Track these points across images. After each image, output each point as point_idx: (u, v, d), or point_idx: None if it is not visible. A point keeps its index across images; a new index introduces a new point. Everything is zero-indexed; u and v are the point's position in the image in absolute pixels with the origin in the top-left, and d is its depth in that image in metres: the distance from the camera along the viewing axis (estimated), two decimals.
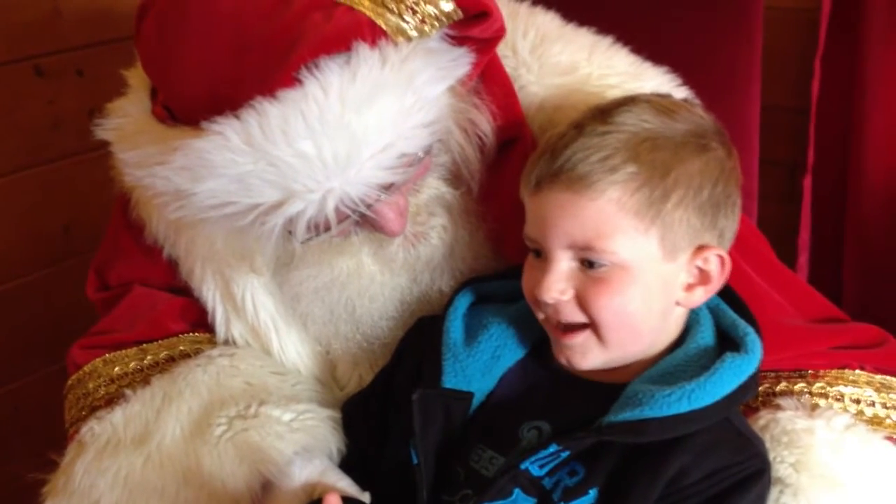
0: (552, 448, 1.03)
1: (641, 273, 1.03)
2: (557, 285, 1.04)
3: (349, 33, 1.00)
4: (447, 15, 1.05)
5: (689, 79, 1.26)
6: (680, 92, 1.22)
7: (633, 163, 1.01)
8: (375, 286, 1.22)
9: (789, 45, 1.77)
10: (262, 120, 0.98)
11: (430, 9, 1.04)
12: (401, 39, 1.03)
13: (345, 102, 0.99)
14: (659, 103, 1.07)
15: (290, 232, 1.07)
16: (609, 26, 1.28)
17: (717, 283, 1.08)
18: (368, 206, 1.06)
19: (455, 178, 1.18)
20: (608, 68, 1.22)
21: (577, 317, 1.05)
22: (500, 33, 1.11)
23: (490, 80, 1.16)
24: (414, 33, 1.04)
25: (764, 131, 1.66)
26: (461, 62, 1.08)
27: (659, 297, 1.05)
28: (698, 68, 1.31)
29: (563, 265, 1.04)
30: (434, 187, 1.18)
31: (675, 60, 1.28)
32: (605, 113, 1.05)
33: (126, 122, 1.12)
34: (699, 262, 1.06)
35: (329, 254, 1.20)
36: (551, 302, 1.04)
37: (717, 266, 1.07)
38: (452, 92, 1.10)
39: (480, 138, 1.14)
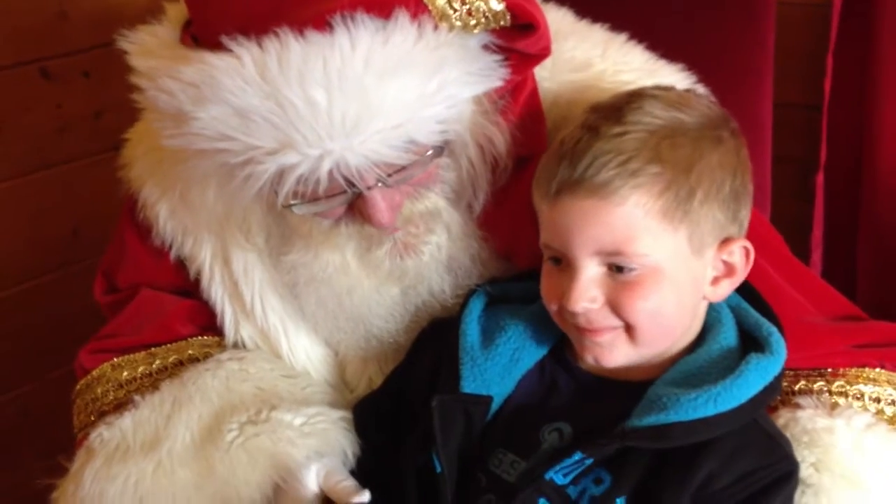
0: (576, 456, 1.01)
1: (672, 272, 1.01)
2: (587, 294, 1.01)
3: (394, 0, 0.99)
4: (495, 15, 1.03)
5: (701, 75, 1.25)
6: (696, 90, 1.20)
7: (655, 163, 0.99)
8: (364, 289, 1.19)
9: (801, 42, 1.76)
10: (282, 54, 0.96)
11: (480, 4, 1.02)
12: (443, 25, 1.02)
13: (369, 64, 0.97)
14: (667, 97, 1.05)
15: (276, 193, 1.05)
16: (621, 23, 1.27)
17: (742, 274, 1.07)
18: (364, 189, 1.05)
19: (457, 197, 1.16)
20: (623, 65, 1.21)
21: (611, 321, 1.03)
22: (545, 52, 1.09)
23: (519, 100, 1.14)
24: (458, 23, 1.02)
25: (776, 128, 1.66)
26: (494, 75, 1.07)
27: (689, 293, 1.04)
28: (710, 65, 1.29)
29: (590, 272, 1.02)
30: (433, 202, 1.15)
31: (687, 57, 1.27)
32: (617, 111, 1.03)
33: (151, 39, 1.10)
34: (724, 256, 1.05)
35: (316, 239, 1.17)
36: (581, 311, 1.02)
37: (741, 257, 1.06)
38: (478, 103, 1.08)
39: (495, 158, 1.12)
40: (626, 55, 1.22)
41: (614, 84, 1.17)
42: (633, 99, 1.04)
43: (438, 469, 1.07)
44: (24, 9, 1.77)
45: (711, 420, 1.00)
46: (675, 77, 1.22)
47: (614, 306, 1.02)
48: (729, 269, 1.06)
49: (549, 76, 1.19)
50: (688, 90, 1.12)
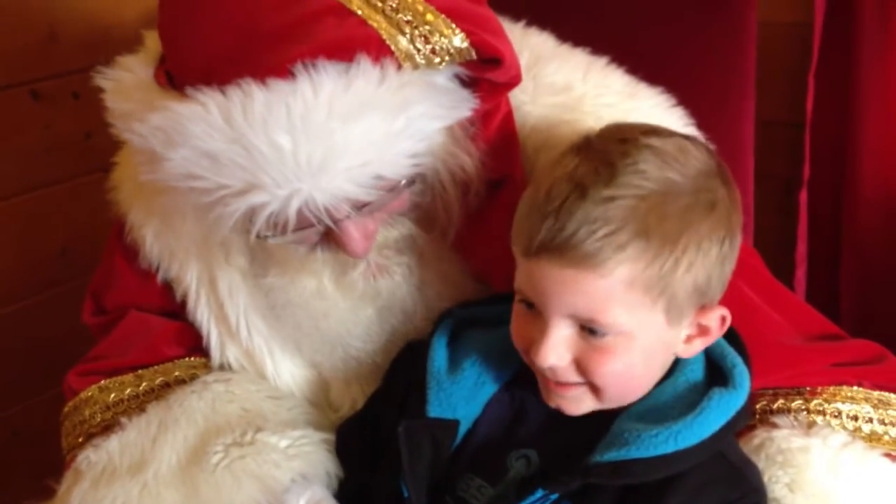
0: (539, 493, 1.01)
1: (645, 339, 1.00)
2: (555, 351, 0.99)
3: (356, 45, 1.00)
4: (459, 52, 1.03)
5: (683, 94, 1.25)
6: (675, 112, 1.22)
7: (642, 238, 0.95)
8: (340, 311, 1.20)
9: (783, 60, 1.78)
10: (246, 101, 0.97)
11: (444, 42, 1.02)
12: (407, 65, 1.02)
13: (332, 109, 0.98)
14: (662, 150, 0.99)
15: (251, 223, 1.05)
16: (602, 45, 1.28)
17: (715, 336, 1.05)
18: (336, 222, 1.05)
19: (430, 222, 1.16)
20: (604, 88, 1.21)
21: (574, 378, 1.02)
22: (515, 80, 1.09)
23: (491, 126, 1.14)
24: (422, 62, 1.02)
25: (759, 146, 1.66)
26: (464, 105, 1.07)
27: (660, 356, 1.03)
28: (692, 83, 1.30)
29: (561, 332, 0.99)
30: (406, 227, 1.16)
31: (669, 76, 1.27)
32: (608, 166, 0.97)
33: (127, 76, 1.11)
34: (701, 320, 1.03)
35: (293, 265, 1.19)
36: (547, 367, 1.01)
37: (717, 323, 1.04)
38: (449, 132, 1.09)
39: (467, 184, 1.12)
40: (606, 78, 1.23)
41: (595, 107, 1.18)
42: (628, 150, 0.98)
43: (406, 494, 1.07)
44: (13, 30, 1.77)
45: (671, 457, 0.99)
46: (655, 100, 1.23)
47: (581, 367, 1.00)
48: (703, 330, 1.04)
49: (530, 100, 1.19)
50: (687, 137, 1.05)
